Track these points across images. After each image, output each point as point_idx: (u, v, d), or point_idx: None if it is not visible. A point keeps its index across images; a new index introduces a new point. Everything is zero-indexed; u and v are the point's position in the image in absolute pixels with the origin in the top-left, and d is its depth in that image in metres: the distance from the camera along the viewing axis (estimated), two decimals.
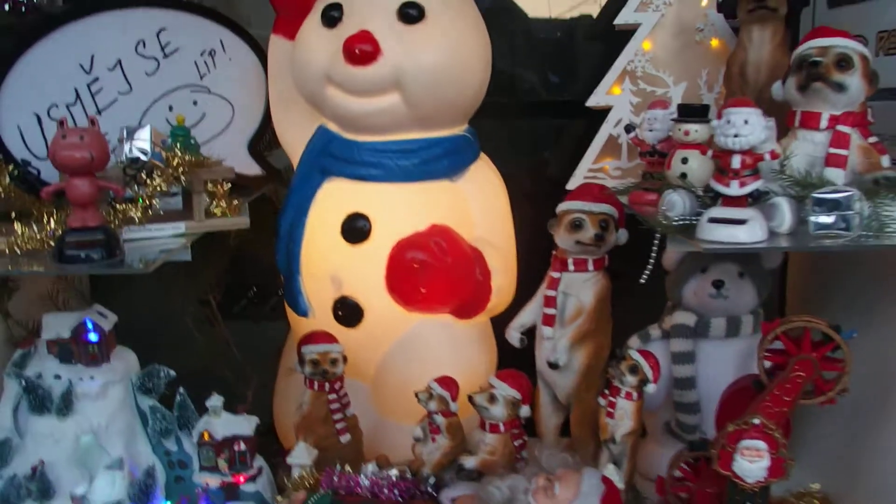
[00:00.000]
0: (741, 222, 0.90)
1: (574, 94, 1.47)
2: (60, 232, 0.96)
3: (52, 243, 0.97)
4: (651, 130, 1.26)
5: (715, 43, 1.36)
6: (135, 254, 1.00)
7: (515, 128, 1.63)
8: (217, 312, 1.52)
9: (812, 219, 0.91)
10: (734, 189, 0.90)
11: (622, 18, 1.38)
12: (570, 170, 1.45)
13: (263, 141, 1.44)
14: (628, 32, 1.40)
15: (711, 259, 1.29)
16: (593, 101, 1.42)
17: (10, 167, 1.01)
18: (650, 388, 1.22)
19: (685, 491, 1.13)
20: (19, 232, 0.96)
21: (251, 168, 1.40)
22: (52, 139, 0.91)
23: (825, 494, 1.32)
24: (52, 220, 0.96)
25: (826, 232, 0.91)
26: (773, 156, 0.92)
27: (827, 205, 0.91)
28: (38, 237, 0.97)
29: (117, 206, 1.00)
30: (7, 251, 0.97)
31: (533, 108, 1.62)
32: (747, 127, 0.89)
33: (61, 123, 0.92)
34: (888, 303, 1.20)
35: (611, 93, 1.41)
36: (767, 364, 1.05)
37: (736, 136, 0.89)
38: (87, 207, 0.92)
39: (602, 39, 1.48)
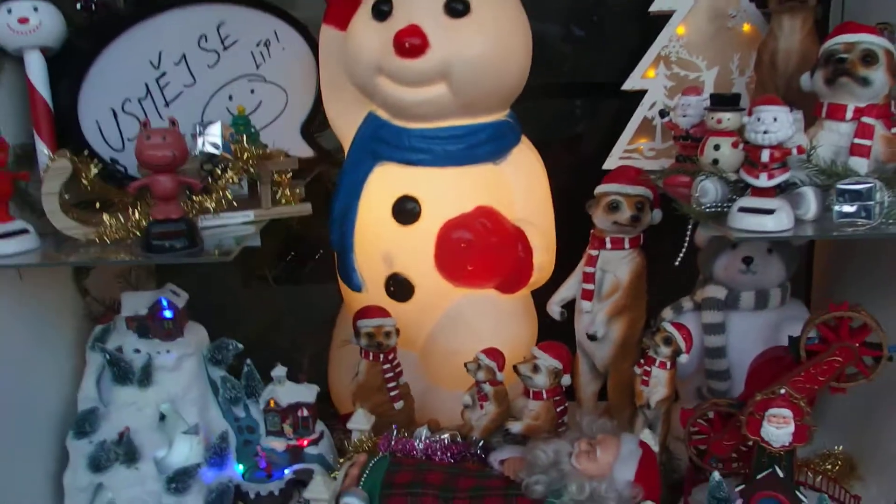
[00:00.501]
0: (769, 212, 0.98)
1: (612, 77, 1.53)
2: (145, 223, 1.06)
3: (136, 233, 1.07)
4: (685, 116, 1.32)
5: (747, 28, 1.40)
6: (211, 242, 1.09)
7: (555, 109, 1.69)
8: (270, 280, 1.62)
9: (836, 208, 0.98)
10: (763, 181, 0.98)
11: (657, 5, 1.43)
12: (607, 150, 1.52)
13: (315, 124, 1.52)
14: (664, 18, 1.46)
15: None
16: (629, 84, 1.47)
17: (95, 161, 1.11)
18: (683, 358, 1.31)
19: (703, 443, 1.23)
20: (108, 223, 1.06)
21: (304, 150, 1.48)
22: (136, 139, 1.00)
23: (848, 455, 1.42)
24: (136, 212, 1.06)
25: (849, 220, 0.98)
26: (800, 150, 0.99)
27: (849, 195, 0.98)
28: (124, 227, 1.07)
29: (194, 197, 1.10)
30: (97, 240, 1.07)
31: (571, 90, 1.68)
32: (776, 124, 0.96)
33: (144, 125, 1.01)
34: None
35: (646, 76, 1.46)
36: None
37: (766, 132, 0.96)
38: (170, 201, 1.02)
39: (639, 23, 1.53)
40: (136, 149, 0.99)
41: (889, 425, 1.30)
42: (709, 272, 1.38)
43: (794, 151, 0.98)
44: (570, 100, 1.70)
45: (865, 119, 1.07)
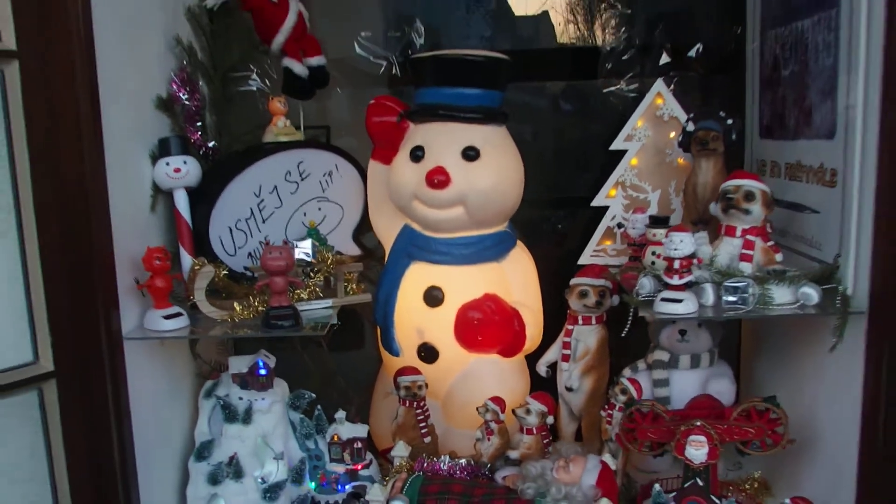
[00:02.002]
0: (679, 301, 1.47)
1: (585, 194, 2.02)
2: (261, 308, 1.55)
3: (258, 312, 1.55)
4: (633, 228, 1.81)
5: (681, 161, 1.89)
6: (307, 320, 1.57)
7: (543, 218, 2.16)
8: (328, 353, 2.10)
9: (724, 298, 1.48)
10: (675, 281, 1.46)
11: (615, 145, 1.92)
12: (581, 249, 2.01)
13: (362, 230, 2.02)
14: (621, 153, 1.97)
15: None
16: (597, 201, 1.96)
17: (223, 266, 1.60)
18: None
19: (632, 427, 1.63)
20: (237, 309, 1.54)
21: (354, 250, 1.97)
22: (263, 250, 1.50)
23: (764, 478, 1.86)
24: (256, 301, 1.55)
25: (732, 306, 1.47)
26: (699, 261, 1.49)
27: (732, 289, 1.47)
28: (248, 311, 1.55)
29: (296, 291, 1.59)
30: (228, 320, 1.56)
31: (555, 204, 2.17)
32: (682, 244, 1.45)
33: (267, 244, 1.50)
34: (803, 347, 1.76)
35: (609, 196, 1.94)
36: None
37: (675, 249, 1.46)
38: (282, 294, 1.50)
39: (604, 156, 2.03)
40: (262, 259, 1.47)
41: (793, 458, 1.75)
42: (656, 341, 1.84)
43: (695, 262, 1.48)
44: (554, 211, 2.18)
45: (749, 236, 1.55)
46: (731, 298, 1.47)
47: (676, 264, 1.47)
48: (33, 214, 1.28)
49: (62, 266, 1.32)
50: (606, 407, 1.77)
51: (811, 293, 1.47)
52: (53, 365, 1.33)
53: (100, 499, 1.43)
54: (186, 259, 1.63)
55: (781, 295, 1.49)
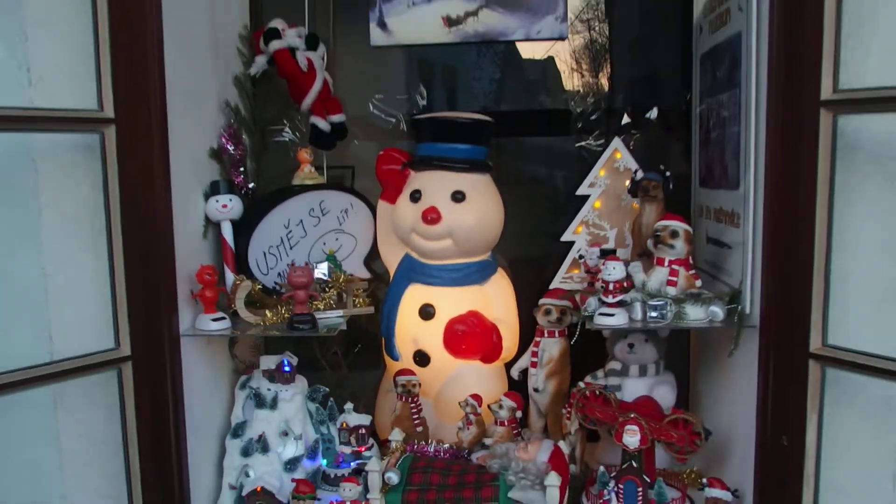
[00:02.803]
0: (612, 315, 1.87)
1: (556, 231, 2.41)
2: (287, 315, 1.98)
3: (284, 318, 1.98)
4: (591, 259, 2.22)
5: (634, 205, 2.31)
6: (322, 325, 2.00)
7: (521, 249, 2.55)
8: (341, 358, 2.51)
9: (648, 313, 1.88)
10: (609, 299, 1.87)
11: (581, 190, 2.31)
12: (553, 275, 2.42)
13: (371, 257, 2.44)
14: (586, 196, 2.38)
15: (629, 330, 2.25)
16: (565, 236, 2.33)
17: (258, 282, 2.03)
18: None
19: (583, 403, 2.00)
20: (268, 316, 1.97)
21: (365, 274, 2.39)
22: (289, 270, 1.93)
23: (699, 471, 2.22)
24: (282, 309, 1.98)
25: (655, 320, 1.87)
26: (629, 284, 1.90)
27: (655, 307, 1.87)
28: (277, 317, 1.98)
29: (314, 302, 2.01)
30: (261, 324, 1.99)
31: (531, 238, 2.56)
32: (615, 271, 1.86)
33: (292, 265, 1.94)
34: (724, 357, 2.14)
35: (576, 232, 2.35)
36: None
37: (609, 275, 1.87)
38: (303, 304, 1.93)
39: (571, 200, 2.43)
40: (288, 276, 1.90)
41: (717, 447, 2.13)
42: (611, 352, 2.24)
43: (625, 284, 1.89)
44: (530, 244, 2.57)
45: (674, 266, 1.95)
46: (653, 314, 1.87)
47: (611, 286, 1.88)
48: (121, 238, 1.71)
49: (139, 277, 1.75)
50: (567, 406, 2.16)
51: (717, 311, 1.86)
52: (130, 351, 1.75)
53: (159, 460, 1.84)
54: (229, 276, 2.06)
55: (695, 312, 1.88)
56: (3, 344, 1.71)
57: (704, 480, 1.93)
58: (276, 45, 2.25)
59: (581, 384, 2.09)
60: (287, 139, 2.44)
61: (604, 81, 2.54)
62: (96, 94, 1.67)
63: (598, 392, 1.99)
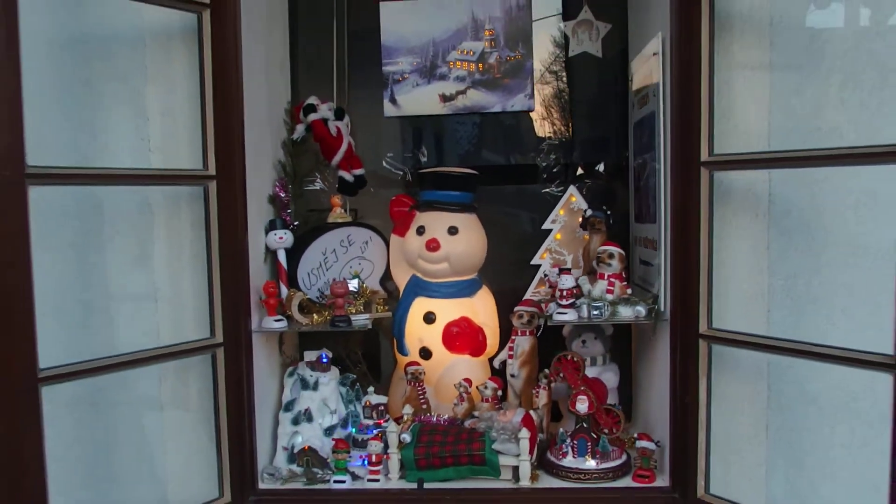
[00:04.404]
0: (565, 314, 2.59)
1: (528, 256, 3.13)
2: (329, 317, 2.67)
3: (326, 318, 2.67)
4: (553, 277, 2.94)
5: (585, 237, 3.00)
6: (354, 324, 2.69)
7: (502, 271, 3.20)
8: (361, 358, 3.20)
9: (591, 312, 2.59)
10: (563, 302, 2.58)
11: (545, 225, 3.00)
12: (525, 290, 3.12)
13: (386, 278, 3.14)
14: (549, 230, 3.09)
15: (582, 329, 2.95)
16: (534, 260, 3.05)
17: (305, 294, 2.73)
18: (553, 385, 2.86)
19: (560, 366, 2.65)
20: (315, 318, 2.67)
21: (381, 292, 3.09)
22: (331, 284, 2.64)
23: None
24: (326, 313, 2.67)
25: (596, 316, 2.59)
26: (578, 292, 2.61)
27: (594, 307, 2.59)
28: (322, 319, 2.67)
29: (348, 308, 2.71)
30: (309, 324, 2.68)
31: (508, 262, 3.24)
32: (567, 281, 2.57)
33: (334, 280, 2.65)
34: (649, 346, 2.84)
35: (542, 258, 3.07)
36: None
37: (563, 284, 2.58)
38: (342, 308, 2.63)
39: (537, 234, 3.15)
40: (331, 288, 2.60)
41: (649, 415, 2.83)
42: (569, 347, 2.94)
43: (575, 291, 2.60)
44: (507, 267, 3.16)
45: (611, 279, 2.67)
46: (595, 312, 2.58)
47: (565, 292, 2.60)
48: (218, 261, 2.40)
49: (227, 289, 2.43)
50: (536, 388, 2.85)
51: (641, 310, 2.58)
52: (222, 339, 2.44)
53: (238, 424, 2.50)
54: (284, 290, 2.76)
55: (625, 311, 2.59)
56: (124, 337, 2.38)
57: (636, 435, 2.63)
58: (312, 116, 2.96)
59: (543, 378, 2.79)
60: (318, 188, 3.17)
61: (563, 142, 3.27)
62: (202, 157, 2.37)
63: (574, 359, 2.66)
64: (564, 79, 3.20)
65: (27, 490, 1.92)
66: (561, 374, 2.66)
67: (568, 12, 3.16)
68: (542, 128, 3.24)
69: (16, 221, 1.89)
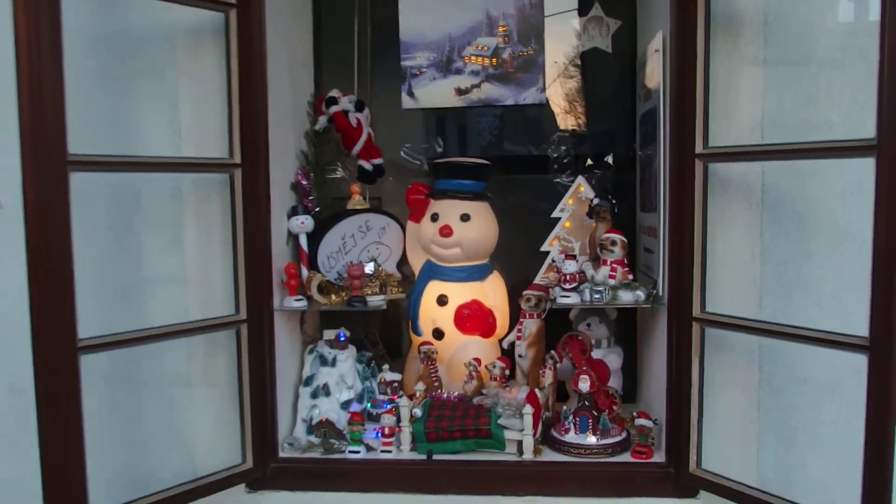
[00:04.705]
0: (569, 297, 2.73)
1: (537, 244, 3.28)
2: (346, 297, 2.84)
3: (343, 299, 2.84)
4: (560, 263, 3.08)
5: (591, 225, 3.15)
6: (370, 305, 2.86)
7: (512, 257, 3.35)
8: (377, 335, 3.38)
9: (593, 296, 2.73)
10: (567, 286, 2.73)
11: (555, 214, 3.13)
12: (534, 274, 3.27)
13: (402, 262, 3.30)
14: (558, 218, 3.24)
15: (588, 313, 3.09)
16: (544, 247, 3.20)
17: (325, 276, 2.90)
18: (559, 366, 3.01)
19: (568, 344, 2.84)
20: (333, 298, 2.84)
21: (397, 274, 3.26)
22: (348, 266, 2.81)
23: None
24: (344, 293, 2.84)
25: (597, 300, 2.73)
26: (582, 277, 2.75)
27: (596, 292, 2.73)
28: (339, 299, 2.84)
29: (364, 289, 2.88)
30: (328, 303, 2.85)
31: (518, 248, 3.41)
32: (570, 266, 2.71)
33: (351, 263, 2.82)
34: (651, 329, 2.98)
35: (551, 244, 3.21)
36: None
37: (566, 269, 2.73)
38: (358, 290, 2.79)
39: (548, 223, 3.30)
40: (348, 270, 2.77)
41: (651, 394, 2.97)
42: (576, 328, 3.10)
43: (578, 276, 2.75)
44: (518, 252, 3.29)
45: (614, 265, 2.81)
46: (596, 296, 2.72)
47: (567, 277, 2.74)
48: (242, 243, 2.58)
49: (251, 270, 2.60)
50: (542, 368, 3.00)
51: (641, 294, 2.71)
52: (246, 316, 2.62)
53: (260, 396, 2.68)
54: (304, 272, 2.93)
55: (626, 295, 2.73)
56: (156, 313, 2.56)
57: (635, 413, 2.77)
58: (334, 108, 3.13)
59: (549, 359, 2.93)
60: (339, 176, 3.33)
61: (573, 134, 3.40)
62: (228, 146, 2.54)
63: (581, 339, 2.82)
64: (575, 73, 3.33)
65: (68, 451, 2.11)
66: (568, 353, 2.80)
67: (579, 9, 3.28)
68: (554, 120, 3.34)
69: (58, 204, 2.06)
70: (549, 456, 2.73)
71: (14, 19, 2.01)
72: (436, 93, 3.33)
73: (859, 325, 2.08)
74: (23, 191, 2.05)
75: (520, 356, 3.04)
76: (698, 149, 2.40)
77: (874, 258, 1.92)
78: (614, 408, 2.78)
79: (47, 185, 2.05)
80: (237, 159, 2.52)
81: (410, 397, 2.83)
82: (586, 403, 2.77)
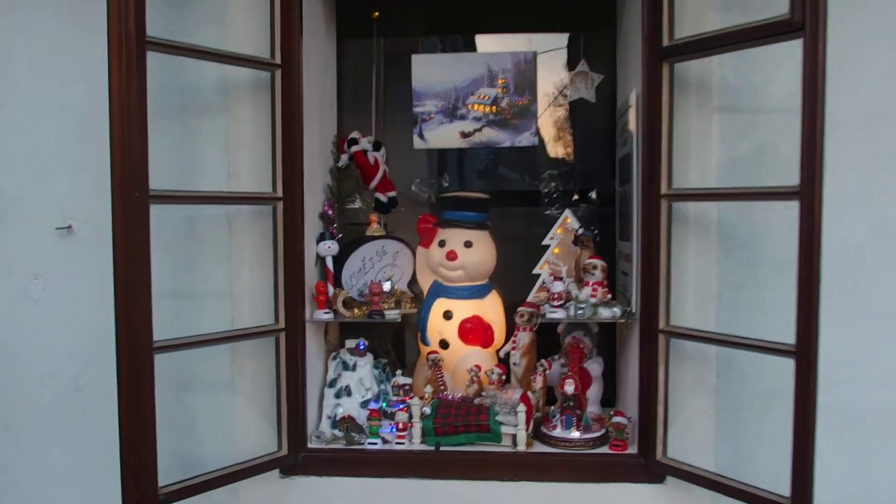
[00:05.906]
0: (556, 312, 3.21)
1: (529, 267, 3.74)
2: (367, 311, 3.31)
3: (364, 312, 3.31)
4: (550, 284, 3.56)
5: (577, 252, 3.64)
6: (387, 318, 3.34)
7: (509, 278, 3.84)
8: (391, 347, 3.85)
9: (577, 312, 3.21)
10: (555, 303, 3.21)
11: (545, 241, 3.60)
12: (528, 294, 3.74)
13: (413, 283, 3.77)
14: (547, 246, 3.71)
15: (573, 327, 3.57)
16: (535, 270, 3.68)
17: (348, 293, 3.37)
18: (548, 372, 3.48)
19: (566, 348, 3.32)
20: (356, 312, 3.31)
21: (408, 293, 3.73)
22: (369, 284, 3.28)
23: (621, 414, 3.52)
24: (365, 307, 3.32)
25: (580, 315, 3.20)
26: (567, 296, 3.23)
27: (578, 307, 3.21)
28: (361, 313, 3.31)
29: (382, 304, 3.35)
30: (351, 316, 3.32)
31: (513, 271, 3.88)
32: (557, 285, 3.18)
33: (373, 282, 3.29)
34: (626, 341, 3.46)
35: (541, 268, 3.68)
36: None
37: (554, 287, 3.21)
38: (377, 305, 3.26)
39: (538, 249, 3.78)
40: (369, 287, 3.24)
41: (628, 397, 3.44)
42: (563, 342, 3.57)
43: (564, 295, 3.23)
44: (513, 275, 3.74)
45: (594, 286, 3.29)
46: (579, 312, 3.20)
47: (556, 295, 3.23)
48: (282, 264, 3.05)
49: (289, 286, 3.06)
50: (533, 374, 3.47)
51: (617, 311, 3.19)
52: (284, 325, 3.09)
53: (294, 397, 3.13)
54: (331, 289, 3.40)
55: (605, 312, 3.19)
56: (205, 324, 3.02)
57: (612, 412, 3.25)
58: (354, 147, 3.59)
59: (539, 367, 3.41)
60: (357, 206, 3.81)
61: (562, 172, 3.83)
62: (272, 182, 3.03)
63: (581, 346, 3.30)
64: (563, 120, 3.83)
65: (145, 437, 2.56)
66: (567, 353, 3.29)
67: (567, 64, 3.79)
68: (545, 160, 3.80)
69: (142, 231, 2.53)
70: (539, 448, 3.11)
71: (109, 79, 2.48)
72: (443, 135, 3.76)
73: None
74: (112, 219, 2.51)
75: (514, 364, 3.48)
76: (663, 190, 2.88)
77: (798, 280, 2.40)
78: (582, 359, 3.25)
79: (133, 216, 2.51)
80: (279, 193, 3.00)
81: (420, 398, 3.28)
82: (571, 404, 3.23)
